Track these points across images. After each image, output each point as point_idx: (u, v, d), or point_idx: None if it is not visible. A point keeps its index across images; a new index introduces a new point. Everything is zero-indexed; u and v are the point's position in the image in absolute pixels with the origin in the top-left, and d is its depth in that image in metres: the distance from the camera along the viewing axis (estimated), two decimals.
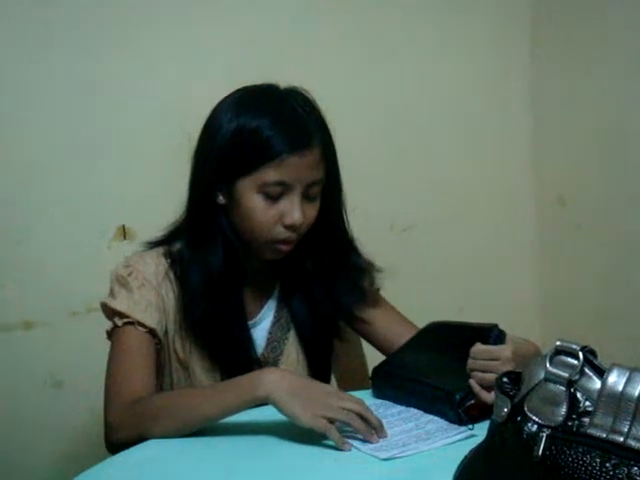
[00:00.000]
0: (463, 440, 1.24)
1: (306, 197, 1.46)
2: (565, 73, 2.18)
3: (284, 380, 1.27)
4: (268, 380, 1.26)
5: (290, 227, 1.45)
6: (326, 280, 1.57)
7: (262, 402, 1.27)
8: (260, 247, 1.49)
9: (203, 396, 1.33)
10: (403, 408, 1.40)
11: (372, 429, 1.26)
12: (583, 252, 2.18)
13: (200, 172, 1.50)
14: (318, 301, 1.57)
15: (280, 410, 1.25)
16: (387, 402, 1.43)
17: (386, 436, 1.26)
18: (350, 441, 1.24)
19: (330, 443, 1.23)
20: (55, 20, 1.85)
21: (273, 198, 1.43)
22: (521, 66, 2.29)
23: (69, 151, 1.88)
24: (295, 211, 1.43)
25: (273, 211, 1.44)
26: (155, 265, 1.51)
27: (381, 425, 1.27)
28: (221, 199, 1.47)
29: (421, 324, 1.58)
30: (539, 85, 2.27)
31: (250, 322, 1.56)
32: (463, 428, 1.28)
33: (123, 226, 1.92)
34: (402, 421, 1.34)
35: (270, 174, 1.41)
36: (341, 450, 1.22)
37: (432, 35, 2.20)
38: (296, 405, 1.24)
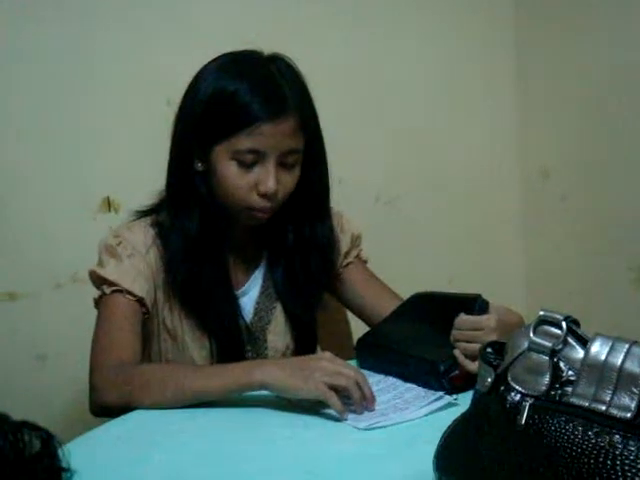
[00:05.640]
0: (446, 409, 1.25)
1: (283, 165, 1.45)
2: (550, 43, 2.17)
3: (276, 366, 1.27)
4: (262, 368, 1.27)
5: (264, 195, 1.44)
6: (303, 252, 1.56)
7: (256, 388, 1.27)
8: (238, 213, 1.48)
9: (199, 373, 1.33)
10: (382, 377, 1.41)
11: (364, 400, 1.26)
12: (568, 223, 2.19)
13: (178, 138, 1.50)
14: (296, 273, 1.58)
15: (280, 391, 1.26)
16: (365, 372, 1.43)
17: (373, 409, 1.26)
18: (329, 410, 1.24)
19: (309, 414, 1.24)
20: None
21: (247, 165, 1.43)
22: (506, 37, 2.27)
23: (53, 122, 1.86)
24: (269, 179, 1.43)
25: (247, 178, 1.43)
26: (143, 235, 1.51)
27: (373, 397, 1.27)
28: (199, 165, 1.47)
29: (408, 296, 1.59)
30: (524, 56, 2.26)
31: (238, 291, 1.56)
32: (440, 394, 1.29)
33: (108, 197, 1.91)
34: (381, 391, 1.33)
35: (243, 141, 1.41)
36: (323, 420, 1.23)
37: (417, 5, 2.18)
38: (295, 381, 1.24)
